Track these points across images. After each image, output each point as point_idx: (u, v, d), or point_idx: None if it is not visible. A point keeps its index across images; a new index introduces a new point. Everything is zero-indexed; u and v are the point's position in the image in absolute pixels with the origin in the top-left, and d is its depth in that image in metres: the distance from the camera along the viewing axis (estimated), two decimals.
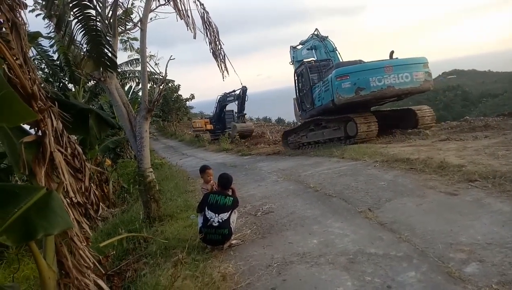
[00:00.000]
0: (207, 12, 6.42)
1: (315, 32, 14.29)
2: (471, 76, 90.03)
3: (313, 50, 14.10)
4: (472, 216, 4.27)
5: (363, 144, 10.57)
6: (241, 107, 25.81)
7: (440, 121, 15.33)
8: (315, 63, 13.46)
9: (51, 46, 12.52)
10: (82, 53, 5.76)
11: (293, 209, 5.84)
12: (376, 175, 6.84)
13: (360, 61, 11.57)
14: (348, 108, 10.54)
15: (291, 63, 15.51)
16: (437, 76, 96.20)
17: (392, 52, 11.39)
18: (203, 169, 5.61)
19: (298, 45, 15.52)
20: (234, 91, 26.10)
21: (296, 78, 13.89)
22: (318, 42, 13.84)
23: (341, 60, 12.80)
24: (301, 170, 8.86)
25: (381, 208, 5.11)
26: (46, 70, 12.93)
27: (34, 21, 10.99)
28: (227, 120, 28.45)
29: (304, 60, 14.34)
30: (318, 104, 11.94)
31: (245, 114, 26.26)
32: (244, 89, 25.01)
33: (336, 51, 13.52)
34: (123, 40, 14.75)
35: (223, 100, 27.74)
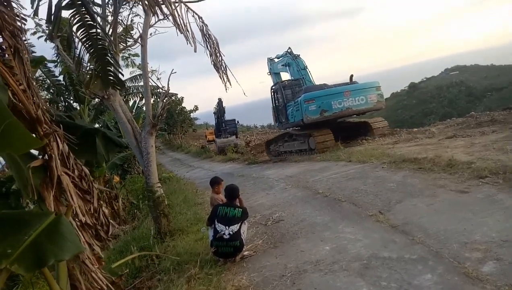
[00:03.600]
0: (206, 25, 6.46)
1: (289, 50, 15.93)
2: (474, 71, 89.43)
3: (287, 67, 15.99)
4: (484, 213, 4.21)
5: (369, 146, 10.89)
6: (220, 120, 26.35)
7: (445, 118, 15.56)
8: (288, 82, 15.57)
9: (55, 66, 12.69)
10: (89, 72, 5.83)
11: (303, 216, 5.80)
12: (385, 177, 6.79)
13: (325, 85, 13.65)
14: (315, 125, 12.52)
15: (268, 74, 17.35)
16: (440, 73, 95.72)
17: (351, 76, 14.11)
18: (218, 181, 5.59)
19: (274, 58, 17.09)
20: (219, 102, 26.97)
21: (272, 93, 15.74)
22: (291, 60, 15.68)
23: (310, 77, 15.28)
24: (309, 176, 8.82)
25: (391, 210, 5.05)
26: (51, 90, 13.08)
27: (37, 43, 11.17)
28: (229, 129, 28.67)
29: (280, 74, 16.76)
30: (291, 120, 13.86)
31: (227, 128, 26.56)
32: (219, 102, 25.66)
33: (307, 69, 15.49)
34: (124, 57, 14.92)
35: (216, 112, 28.67)
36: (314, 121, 12.21)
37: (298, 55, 15.75)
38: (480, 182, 5.21)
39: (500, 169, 5.36)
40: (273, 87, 15.63)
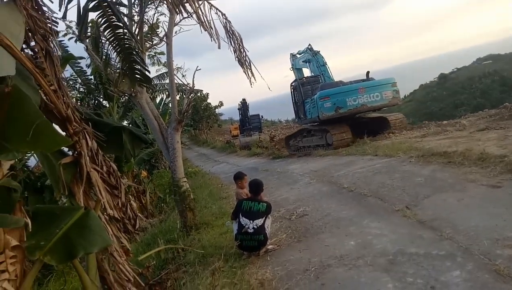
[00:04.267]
0: (229, 22, 6.48)
1: (309, 47, 16.23)
2: (509, 59, 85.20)
3: (307, 63, 16.42)
4: None
5: (396, 139, 10.68)
6: (244, 119, 26.49)
7: (478, 109, 15.04)
8: (307, 79, 15.95)
9: (88, 66, 13.12)
10: (118, 71, 6.00)
11: (328, 211, 5.76)
12: (412, 171, 6.63)
13: (341, 82, 13.92)
14: (332, 121, 12.78)
15: (291, 69, 17.43)
16: (472, 63, 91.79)
17: (368, 72, 14.08)
18: (241, 176, 5.64)
19: (296, 53, 17.31)
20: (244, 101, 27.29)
21: (292, 90, 16.10)
22: (311, 56, 16.03)
23: (329, 73, 15.52)
24: (334, 170, 8.74)
25: (419, 205, 4.94)
26: (81, 89, 13.54)
27: (68, 43, 11.56)
28: (254, 124, 28.81)
29: (302, 69, 17.04)
30: (309, 116, 14.27)
31: (250, 127, 26.67)
32: (243, 103, 25.83)
33: (326, 65, 15.71)
34: (150, 55, 15.20)
35: (241, 108, 28.80)
36: (329, 118, 12.56)
37: (318, 52, 15.96)
38: None
39: None
40: (293, 84, 15.98)
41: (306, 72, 16.96)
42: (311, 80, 15.55)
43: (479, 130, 9.26)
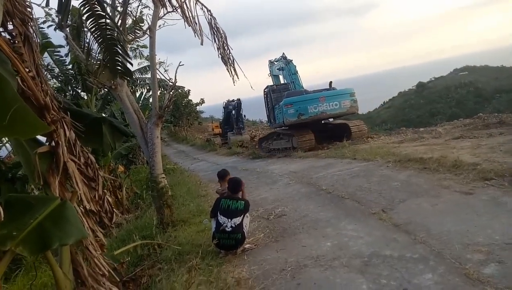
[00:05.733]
0: (214, 18, 6.44)
1: (283, 55, 17.55)
2: (483, 72, 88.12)
3: (281, 70, 17.75)
4: (489, 215, 4.19)
5: (374, 144, 11.08)
6: (237, 118, 26.37)
7: (453, 118, 15.70)
8: (277, 86, 17.29)
9: (66, 55, 12.72)
10: (98, 62, 5.85)
11: (306, 212, 5.81)
12: (389, 176, 6.77)
13: (305, 91, 15.06)
14: (298, 126, 13.82)
15: (268, 75, 18.79)
16: (449, 73, 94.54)
17: (330, 82, 15.62)
18: (225, 175, 5.64)
19: (274, 60, 18.50)
20: (233, 100, 26.82)
21: (264, 95, 17.29)
22: (284, 64, 17.34)
23: (299, 81, 16.90)
24: (313, 172, 8.82)
25: (395, 209, 5.05)
26: (59, 79, 13.14)
27: (46, 32, 11.17)
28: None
29: (279, 76, 18.25)
30: (277, 121, 15.33)
31: (242, 127, 26.58)
32: (238, 102, 25.73)
33: (297, 74, 17.05)
34: (133, 48, 14.92)
35: (227, 107, 28.48)
36: (292, 123, 13.70)
37: (291, 61, 17.32)
38: (485, 184, 5.18)
39: (506, 172, 5.32)
40: (265, 90, 17.21)
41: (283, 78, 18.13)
42: (281, 88, 16.99)
43: (454, 138, 9.55)
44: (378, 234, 4.34)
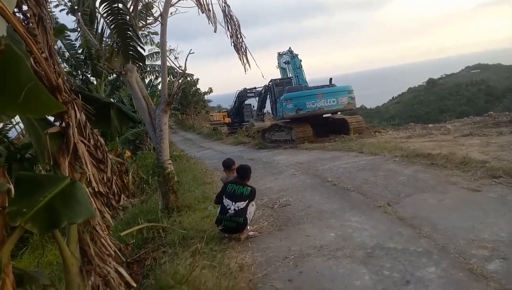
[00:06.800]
0: (228, 6, 6.40)
1: (290, 49, 18.06)
2: (496, 70, 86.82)
3: (287, 64, 18.43)
4: (496, 213, 4.18)
5: (382, 138, 11.17)
6: (262, 105, 25.45)
7: (463, 116, 15.68)
8: (280, 80, 18.14)
9: (76, 39, 12.74)
10: (110, 47, 5.85)
11: (311, 202, 5.82)
12: (396, 170, 6.74)
13: (305, 87, 15.84)
14: (297, 120, 14.40)
15: (277, 67, 19.46)
16: (460, 70, 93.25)
17: (331, 79, 16.25)
18: (231, 164, 5.74)
19: (282, 53, 18.96)
20: (255, 88, 25.75)
21: (269, 89, 18.20)
22: (290, 59, 17.95)
23: (303, 75, 17.59)
24: (319, 164, 8.81)
25: (400, 203, 5.04)
26: (70, 63, 13.19)
27: (58, 15, 11.18)
28: (245, 114, 28.39)
29: (286, 69, 18.85)
30: (279, 114, 16.11)
31: (265, 113, 25.91)
32: (266, 88, 24.70)
33: (301, 68, 17.62)
34: (143, 35, 14.90)
35: (243, 96, 27.30)
36: (291, 117, 14.41)
37: (296, 55, 17.75)
38: (493, 181, 5.15)
39: None
40: (269, 83, 17.90)
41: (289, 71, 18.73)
42: (285, 82, 17.85)
43: (463, 135, 9.47)
44: (383, 227, 4.34)
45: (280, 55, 19.27)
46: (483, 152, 6.94)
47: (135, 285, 2.60)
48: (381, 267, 3.40)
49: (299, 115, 14.05)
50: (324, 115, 15.07)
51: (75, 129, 2.53)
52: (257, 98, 25.51)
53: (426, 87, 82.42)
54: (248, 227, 4.75)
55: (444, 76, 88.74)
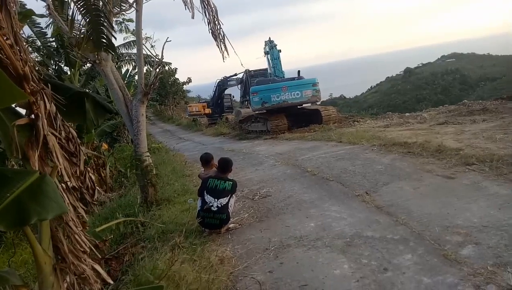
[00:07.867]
0: None
1: (269, 39, 18.53)
2: (470, 59, 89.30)
3: (267, 54, 18.76)
4: (469, 199, 4.29)
5: (360, 128, 11.19)
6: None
7: (438, 104, 16.10)
8: (255, 72, 19.36)
9: (47, 26, 12.24)
10: (81, 34, 5.62)
11: (291, 193, 5.84)
12: (374, 159, 6.85)
13: (274, 80, 16.36)
14: (272, 111, 14.61)
15: (264, 55, 19.44)
16: (436, 60, 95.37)
17: (299, 72, 16.86)
18: (209, 159, 5.44)
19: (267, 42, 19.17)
20: (235, 74, 25.21)
21: (244, 80, 19.11)
22: (269, 49, 18.37)
23: (280, 66, 18.19)
24: (299, 154, 8.85)
25: (378, 191, 5.12)
26: (41, 52, 12.67)
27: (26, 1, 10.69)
28: (225, 104, 28.09)
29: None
30: (252, 105, 16.19)
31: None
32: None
33: (279, 59, 18.20)
34: (118, 22, 14.49)
35: (223, 84, 26.49)
36: (257, 110, 14.87)
37: (275, 45, 18.21)
38: (467, 168, 5.29)
39: (487, 157, 5.44)
40: (244, 75, 18.69)
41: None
42: (259, 73, 18.57)
43: (439, 123, 9.70)
44: (361, 215, 4.40)
45: (266, 43, 19.46)
46: (457, 140, 7.13)
47: (112, 282, 2.54)
48: (359, 255, 3.45)
49: (265, 108, 14.41)
50: (298, 107, 15.40)
51: (45, 121, 2.41)
52: (239, 86, 25.05)
53: (404, 76, 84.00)
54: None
55: (420, 65, 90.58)
